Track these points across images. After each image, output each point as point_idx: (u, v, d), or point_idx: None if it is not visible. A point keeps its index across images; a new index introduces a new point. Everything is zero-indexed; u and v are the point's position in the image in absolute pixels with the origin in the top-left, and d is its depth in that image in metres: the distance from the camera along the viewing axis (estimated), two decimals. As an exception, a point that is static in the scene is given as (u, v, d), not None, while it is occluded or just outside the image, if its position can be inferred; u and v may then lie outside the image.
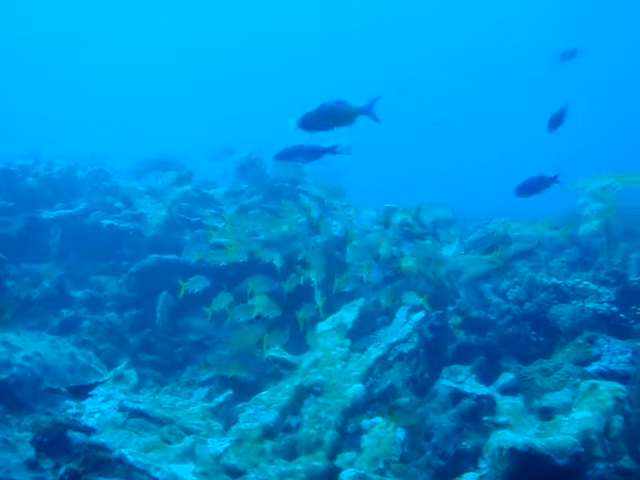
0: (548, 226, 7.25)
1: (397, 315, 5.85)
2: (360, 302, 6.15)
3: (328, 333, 5.59)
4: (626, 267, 7.00)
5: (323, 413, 4.80)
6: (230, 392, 5.67)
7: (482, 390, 4.55)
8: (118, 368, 6.00)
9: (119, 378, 5.79)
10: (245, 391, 7.03)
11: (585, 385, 4.42)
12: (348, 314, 5.90)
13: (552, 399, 4.90)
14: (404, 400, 5.55)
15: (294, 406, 4.98)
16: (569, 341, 5.91)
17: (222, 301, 5.61)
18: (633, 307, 6.28)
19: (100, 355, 6.99)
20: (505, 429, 4.07)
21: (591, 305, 6.15)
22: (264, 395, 5.04)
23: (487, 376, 5.42)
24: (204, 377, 7.10)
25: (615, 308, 6.17)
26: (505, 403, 4.32)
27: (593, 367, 5.52)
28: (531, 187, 5.58)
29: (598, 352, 5.65)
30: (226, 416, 5.28)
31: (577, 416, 4.18)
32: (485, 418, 4.22)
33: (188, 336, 7.75)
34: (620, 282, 6.62)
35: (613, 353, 5.60)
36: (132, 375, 5.89)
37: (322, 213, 8.85)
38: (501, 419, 4.12)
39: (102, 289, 8.18)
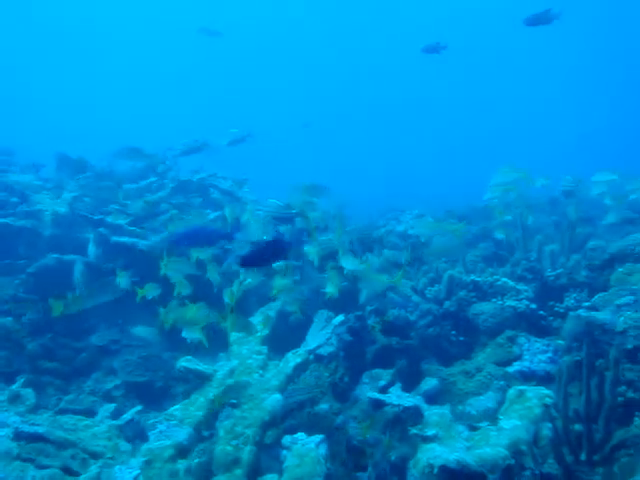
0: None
1: (315, 319, 5.59)
2: (277, 304, 5.83)
3: (244, 339, 5.27)
4: (541, 261, 6.97)
5: (240, 427, 4.49)
6: (139, 407, 5.28)
7: (408, 401, 4.35)
8: (14, 387, 5.52)
9: (15, 399, 5.32)
10: (155, 401, 6.69)
11: (512, 392, 4.29)
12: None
13: (476, 404, 4.77)
14: (324, 407, 5.32)
15: (209, 421, 4.65)
16: (490, 340, 5.81)
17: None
18: (551, 303, 6.24)
19: (-6, 365, 6.50)
20: (434, 443, 3.88)
21: (510, 303, 6.06)
22: (176, 410, 4.68)
23: (409, 380, 5.25)
24: (110, 385, 6.71)
25: (534, 305, 6.10)
26: (432, 414, 4.13)
27: (514, 367, 5.43)
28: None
29: (519, 352, 5.56)
30: (135, 433, 4.92)
31: (506, 425, 4.03)
32: (413, 431, 4.02)
33: (92, 340, 7.30)
34: (537, 278, 6.58)
35: (534, 352, 5.53)
36: (29, 395, 5.43)
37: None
38: (429, 432, 3.92)
39: (-4, 291, 7.62)
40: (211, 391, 4.78)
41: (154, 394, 6.76)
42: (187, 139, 9.04)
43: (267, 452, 4.60)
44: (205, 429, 4.62)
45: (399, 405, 4.31)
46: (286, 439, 4.27)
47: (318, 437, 4.25)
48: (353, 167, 32.87)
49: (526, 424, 4.00)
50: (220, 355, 7.25)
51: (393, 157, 37.18)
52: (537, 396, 4.20)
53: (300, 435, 4.29)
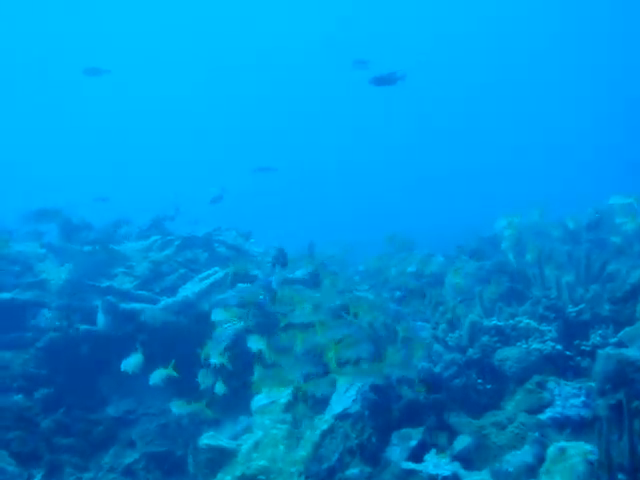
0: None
1: (340, 382, 5.41)
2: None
3: (266, 408, 5.10)
4: (561, 296, 6.79)
5: (275, 505, 4.32)
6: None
7: (446, 469, 4.16)
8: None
9: None
10: (177, 471, 6.49)
11: (553, 450, 4.11)
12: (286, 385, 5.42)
13: (513, 460, 4.56)
14: (354, 471, 5.13)
15: (238, 499, 4.47)
16: (518, 387, 5.62)
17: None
18: (576, 342, 6.06)
19: (9, 447, 6.32)
20: (478, 515, 3.70)
21: (536, 345, 5.88)
22: (204, 492, 4.51)
23: (440, 437, 5.07)
24: (129, 459, 6.53)
25: (560, 346, 5.92)
26: (472, 481, 3.96)
27: (547, 414, 5.24)
28: None
29: (550, 397, 5.37)
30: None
31: (550, 487, 3.85)
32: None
33: (108, 411, 7.12)
34: (559, 316, 6.40)
35: (565, 397, 5.34)
36: None
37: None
38: (470, 502, 3.75)
39: (7, 367, 7.43)
40: (238, 468, 4.60)
41: (176, 463, 6.58)
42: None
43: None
44: (235, 510, 4.45)
45: (437, 475, 4.13)
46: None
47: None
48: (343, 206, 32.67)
49: (571, 484, 3.82)
50: (240, 418, 7.09)
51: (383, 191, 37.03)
52: (579, 452, 4.03)
53: None
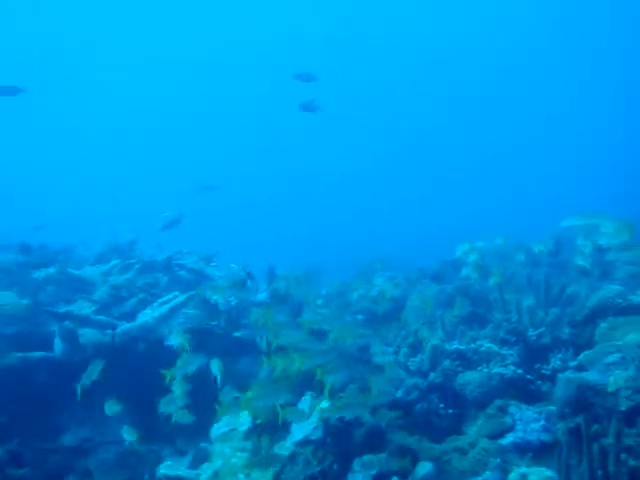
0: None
1: (298, 406, 5.34)
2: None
3: (226, 436, 5.01)
4: (521, 320, 6.82)
5: (231, 536, 4.23)
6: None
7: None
8: None
9: None
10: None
11: (515, 476, 4.09)
12: (246, 411, 5.32)
13: (475, 487, 4.54)
14: (315, 500, 5.06)
15: (196, 533, 4.37)
16: (479, 411, 5.61)
17: None
18: (537, 365, 6.08)
19: (-41, 478, 6.14)
20: None
21: (497, 370, 5.89)
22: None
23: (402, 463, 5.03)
24: (87, 490, 6.38)
25: (521, 370, 5.94)
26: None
27: (508, 439, 5.24)
28: None
29: (511, 422, 5.37)
30: None
31: (511, 514, 3.82)
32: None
33: (63, 440, 6.95)
34: (520, 340, 6.42)
35: (526, 421, 5.34)
36: None
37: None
38: (433, 532, 3.70)
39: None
40: (196, 499, 4.51)
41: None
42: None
43: None
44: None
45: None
46: None
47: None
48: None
49: (532, 512, 3.79)
50: (201, 446, 6.97)
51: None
52: (540, 479, 4.00)
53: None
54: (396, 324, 8.54)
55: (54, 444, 6.78)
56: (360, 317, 8.81)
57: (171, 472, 4.58)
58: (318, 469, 5.31)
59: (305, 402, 5.36)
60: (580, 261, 8.72)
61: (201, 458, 6.76)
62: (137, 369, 7.21)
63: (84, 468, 6.63)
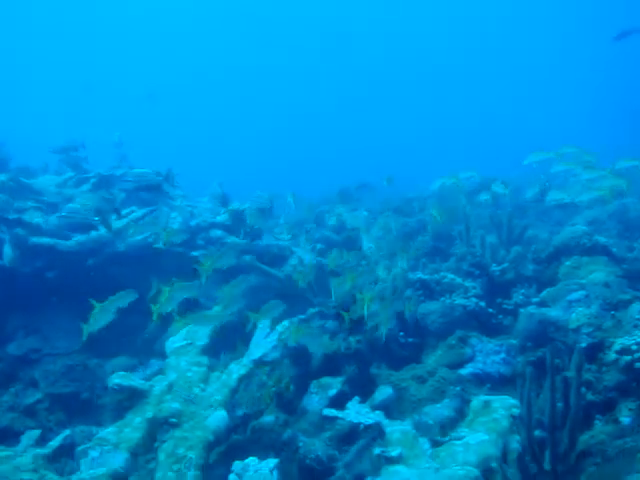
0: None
1: (259, 325, 5.19)
2: (217, 310, 5.39)
3: (182, 350, 4.85)
4: (485, 256, 6.75)
5: (182, 450, 4.10)
6: (67, 432, 4.78)
7: (369, 418, 4.02)
8: None
9: None
10: (82, 414, 6.20)
11: (477, 403, 4.03)
12: (204, 326, 5.16)
13: (433, 413, 4.46)
14: (268, 419, 4.96)
15: (147, 444, 4.22)
16: (440, 342, 5.55)
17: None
18: (499, 300, 6.03)
19: None
20: (399, 464, 3.57)
21: (460, 301, 5.82)
22: (110, 433, 4.22)
23: (359, 387, 4.95)
24: (31, 399, 6.19)
25: (483, 303, 5.88)
26: (395, 431, 3.82)
27: (467, 370, 5.20)
28: None
29: (471, 353, 5.33)
30: (65, 462, 4.42)
31: (472, 440, 3.76)
32: (377, 451, 3.70)
33: (9, 350, 6.73)
34: (484, 273, 6.36)
35: (487, 353, 5.30)
36: None
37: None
38: (394, 452, 3.61)
39: None
40: (149, 410, 4.36)
41: (81, 406, 6.28)
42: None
43: (212, 474, 4.22)
44: (143, 453, 4.20)
45: (360, 423, 3.98)
46: (237, 465, 3.89)
47: (272, 462, 3.89)
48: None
49: (494, 438, 3.75)
50: (152, 361, 6.82)
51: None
52: (504, 406, 3.96)
53: (252, 460, 3.92)
54: (356, 254, 8.45)
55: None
56: (319, 246, 8.65)
57: (125, 382, 4.42)
58: (274, 389, 5.21)
59: (266, 322, 5.22)
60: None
61: (152, 374, 6.68)
62: (89, 282, 6.99)
63: (30, 378, 6.44)
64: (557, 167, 7.18)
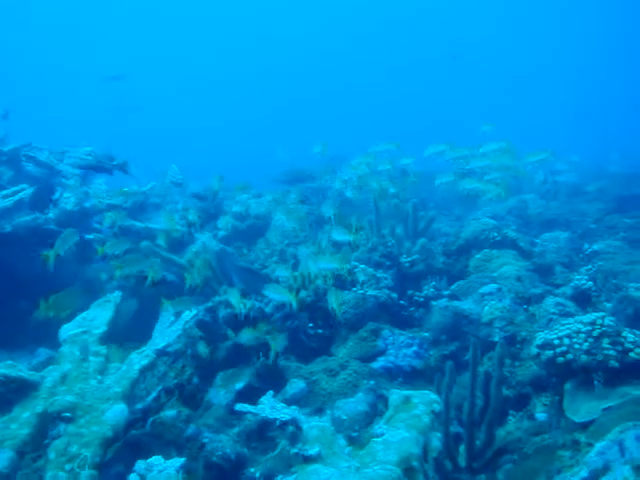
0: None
1: (162, 313, 4.85)
2: (117, 296, 4.98)
3: (77, 338, 4.44)
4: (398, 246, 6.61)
5: (76, 447, 3.72)
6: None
7: (285, 414, 3.76)
8: None
9: None
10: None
11: (397, 397, 3.84)
12: (102, 312, 4.75)
13: (346, 408, 4.25)
14: (170, 413, 4.64)
15: (36, 440, 3.82)
16: (351, 334, 5.35)
17: None
18: (410, 292, 5.90)
19: None
20: (317, 463, 3.33)
21: (371, 292, 5.64)
22: (-7, 429, 3.80)
23: (267, 380, 4.69)
24: None
25: (395, 294, 5.73)
26: (312, 427, 3.58)
27: (379, 363, 5.03)
28: None
29: (383, 346, 5.16)
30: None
31: (391, 438, 3.57)
32: (294, 450, 3.45)
33: None
34: (394, 264, 6.22)
35: (399, 346, 5.15)
36: None
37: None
38: (311, 450, 3.36)
39: None
40: (39, 403, 3.95)
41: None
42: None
43: (109, 473, 3.87)
44: (31, 451, 3.79)
45: (276, 419, 3.72)
46: (139, 465, 3.55)
47: (178, 461, 3.57)
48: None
49: (415, 435, 3.56)
50: (39, 350, 6.34)
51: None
52: (424, 402, 3.79)
53: (156, 459, 3.59)
54: (261, 241, 8.18)
55: None
56: (222, 233, 8.33)
57: (12, 373, 3.98)
58: (175, 382, 4.89)
59: (169, 310, 4.87)
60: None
61: (40, 364, 6.21)
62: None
63: None
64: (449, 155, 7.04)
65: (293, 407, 3.91)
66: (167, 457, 3.95)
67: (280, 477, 3.56)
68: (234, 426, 4.27)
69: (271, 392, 4.13)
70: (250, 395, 4.53)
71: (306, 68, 45.34)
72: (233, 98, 44.86)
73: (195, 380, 4.92)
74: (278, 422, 3.70)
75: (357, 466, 3.30)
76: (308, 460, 3.34)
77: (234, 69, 47.62)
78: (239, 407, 3.92)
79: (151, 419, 4.50)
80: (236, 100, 44.53)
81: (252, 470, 3.75)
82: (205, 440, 4.17)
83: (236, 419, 4.41)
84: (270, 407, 3.84)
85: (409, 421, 3.65)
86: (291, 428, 3.63)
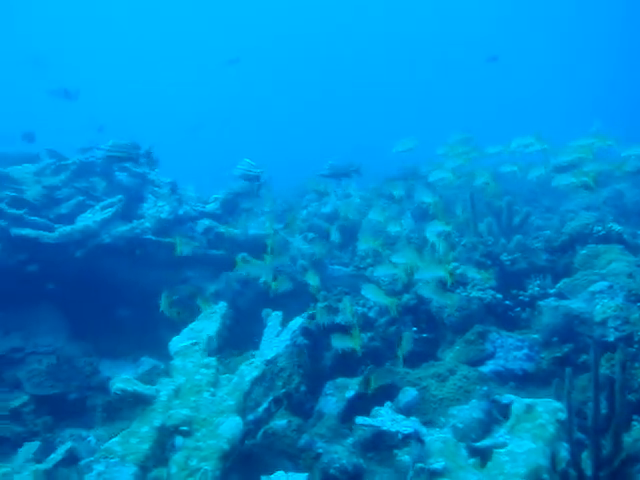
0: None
1: (269, 323, 4.83)
2: (222, 307, 4.98)
3: (188, 350, 4.46)
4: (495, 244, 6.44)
5: (195, 461, 3.72)
6: (69, 445, 4.38)
7: (406, 426, 3.68)
8: None
9: None
10: (70, 416, 5.83)
11: (519, 407, 3.70)
12: (209, 323, 4.76)
13: (461, 415, 4.14)
14: (281, 423, 4.62)
15: (157, 455, 3.83)
16: (457, 337, 5.23)
17: None
18: (514, 291, 5.73)
19: None
20: (444, 477, 3.24)
21: (476, 293, 5.50)
22: (115, 443, 3.82)
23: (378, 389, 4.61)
24: (17, 402, 5.79)
25: (500, 295, 5.57)
26: (435, 439, 3.48)
27: (488, 367, 4.90)
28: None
29: (491, 349, 5.02)
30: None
31: (517, 448, 3.44)
32: (419, 465, 3.36)
33: (-12, 349, 6.31)
34: (496, 263, 6.05)
35: (507, 349, 5.00)
36: None
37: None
38: (437, 465, 3.27)
39: None
40: (156, 417, 3.97)
41: (69, 407, 5.91)
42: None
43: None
44: (153, 465, 3.81)
45: (398, 432, 3.65)
46: (263, 481, 3.53)
47: (301, 476, 3.53)
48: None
49: (542, 446, 3.43)
50: (142, 359, 6.44)
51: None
52: (548, 410, 3.64)
53: (280, 475, 3.56)
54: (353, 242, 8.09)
55: (-22, 352, 6.10)
56: (311, 235, 8.28)
57: (129, 387, 4.01)
58: (283, 391, 4.87)
59: (276, 319, 4.85)
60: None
61: (144, 373, 6.30)
62: (75, 275, 6.58)
63: (13, 379, 6.03)
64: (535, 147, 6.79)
65: (413, 418, 3.82)
66: (280, 468, 3.94)
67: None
68: (347, 436, 4.23)
69: (389, 403, 4.05)
70: (360, 403, 4.48)
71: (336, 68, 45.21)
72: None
73: (302, 388, 4.89)
74: (400, 436, 3.62)
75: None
76: (434, 475, 3.25)
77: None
78: (360, 420, 3.84)
79: (262, 429, 4.49)
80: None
81: (372, 482, 3.69)
82: (320, 450, 4.14)
83: (347, 428, 4.37)
84: (390, 420, 3.76)
85: (534, 431, 3.52)
86: (413, 441, 3.55)
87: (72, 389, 6.04)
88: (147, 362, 6.40)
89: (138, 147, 5.70)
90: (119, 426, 5.51)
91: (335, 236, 7.45)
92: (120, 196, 7.25)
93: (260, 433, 4.47)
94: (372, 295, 4.89)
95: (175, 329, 6.51)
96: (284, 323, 5.00)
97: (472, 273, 5.40)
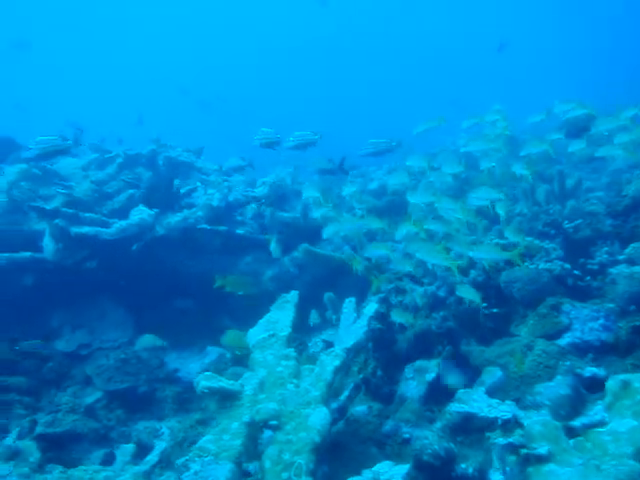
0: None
1: (344, 310, 4.78)
2: (294, 295, 4.93)
3: (265, 342, 4.43)
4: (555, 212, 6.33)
5: (288, 455, 3.72)
6: (163, 445, 4.39)
7: (503, 411, 3.63)
8: (8, 441, 4.53)
9: (14, 456, 4.34)
10: (142, 409, 5.90)
11: (614, 383, 3.62)
12: (284, 313, 4.72)
13: (547, 393, 4.08)
14: (361, 409, 4.61)
15: (250, 450, 3.83)
16: (528, 311, 5.15)
17: None
18: (582, 260, 5.62)
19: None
20: (551, 463, 3.19)
21: (543, 265, 5.40)
22: (208, 441, 3.82)
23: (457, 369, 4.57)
24: (90, 398, 5.86)
25: (568, 265, 5.47)
26: (534, 422, 3.43)
27: (565, 340, 4.81)
28: None
29: (567, 321, 4.93)
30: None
31: (619, 427, 3.37)
32: (523, 451, 3.31)
33: (58, 347, 6.37)
34: (560, 232, 5.95)
35: (583, 320, 4.91)
36: (32, 448, 4.45)
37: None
38: (541, 449, 3.22)
39: None
40: (244, 412, 3.96)
41: (140, 400, 5.97)
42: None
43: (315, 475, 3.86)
44: (246, 461, 3.82)
45: (497, 418, 3.60)
46: (366, 475, 3.51)
47: (403, 468, 3.51)
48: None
49: (645, 424, 3.36)
50: (208, 349, 6.47)
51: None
52: (646, 386, 3.56)
53: (383, 467, 3.54)
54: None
55: (48, 350, 6.15)
56: (359, 212, 8.21)
57: (215, 384, 4.00)
58: (361, 376, 4.86)
59: (350, 305, 4.79)
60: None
61: (211, 363, 6.34)
62: (133, 269, 6.61)
63: (83, 375, 6.11)
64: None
65: (508, 402, 3.77)
66: (367, 456, 3.94)
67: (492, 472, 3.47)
68: (432, 419, 4.20)
69: (482, 389, 3.99)
70: (440, 385, 4.46)
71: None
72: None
73: (379, 373, 4.87)
74: (500, 421, 3.58)
75: (596, 463, 3.13)
76: (540, 460, 3.20)
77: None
78: (455, 407, 3.80)
79: (345, 416, 4.49)
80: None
81: (463, 466, 3.65)
82: (406, 435, 4.12)
83: (430, 411, 4.35)
84: (487, 405, 3.72)
85: (635, 407, 3.45)
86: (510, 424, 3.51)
87: (141, 382, 6.09)
88: (213, 351, 6.43)
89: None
90: (192, 417, 5.59)
91: None
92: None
93: (343, 420, 4.47)
94: (430, 257, 4.76)
95: (236, 317, 6.56)
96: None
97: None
